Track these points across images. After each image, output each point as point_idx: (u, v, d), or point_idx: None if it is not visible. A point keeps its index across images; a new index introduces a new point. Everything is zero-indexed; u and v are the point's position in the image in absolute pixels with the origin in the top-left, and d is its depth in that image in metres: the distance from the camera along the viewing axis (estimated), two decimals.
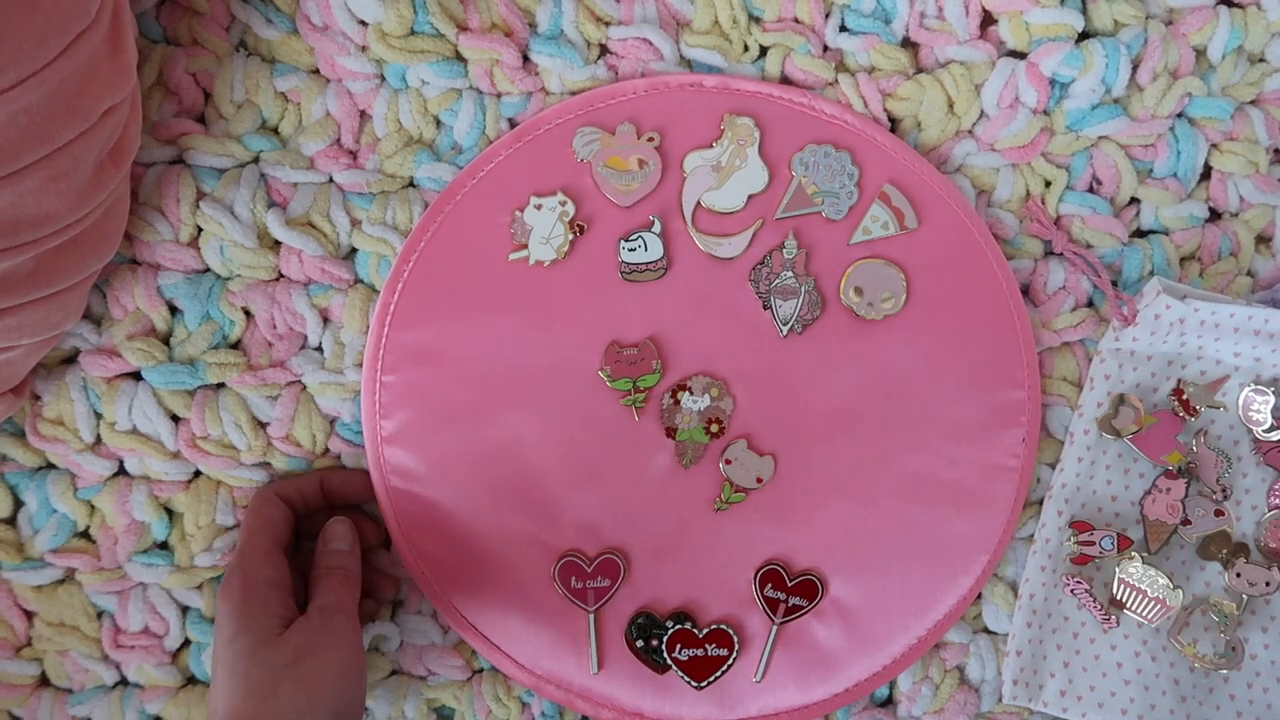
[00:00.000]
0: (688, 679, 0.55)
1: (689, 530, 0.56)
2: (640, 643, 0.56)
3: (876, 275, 0.55)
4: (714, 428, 0.55)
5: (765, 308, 0.55)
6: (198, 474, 0.57)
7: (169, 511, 0.58)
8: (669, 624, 0.56)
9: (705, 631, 0.56)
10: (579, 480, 0.56)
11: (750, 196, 0.55)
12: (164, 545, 0.58)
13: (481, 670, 0.59)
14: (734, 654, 0.56)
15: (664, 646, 0.55)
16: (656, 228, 0.55)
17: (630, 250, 0.55)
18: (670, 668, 0.55)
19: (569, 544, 0.56)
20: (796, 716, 0.57)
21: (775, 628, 0.56)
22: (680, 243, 0.55)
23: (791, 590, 0.56)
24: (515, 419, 0.55)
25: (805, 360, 0.56)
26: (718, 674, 0.55)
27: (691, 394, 0.55)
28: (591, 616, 0.56)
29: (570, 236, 0.54)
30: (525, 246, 0.55)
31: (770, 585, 0.56)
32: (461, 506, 0.56)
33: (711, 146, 0.55)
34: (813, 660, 0.57)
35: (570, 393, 0.55)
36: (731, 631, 0.56)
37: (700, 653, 0.55)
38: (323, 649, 0.49)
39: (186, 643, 0.58)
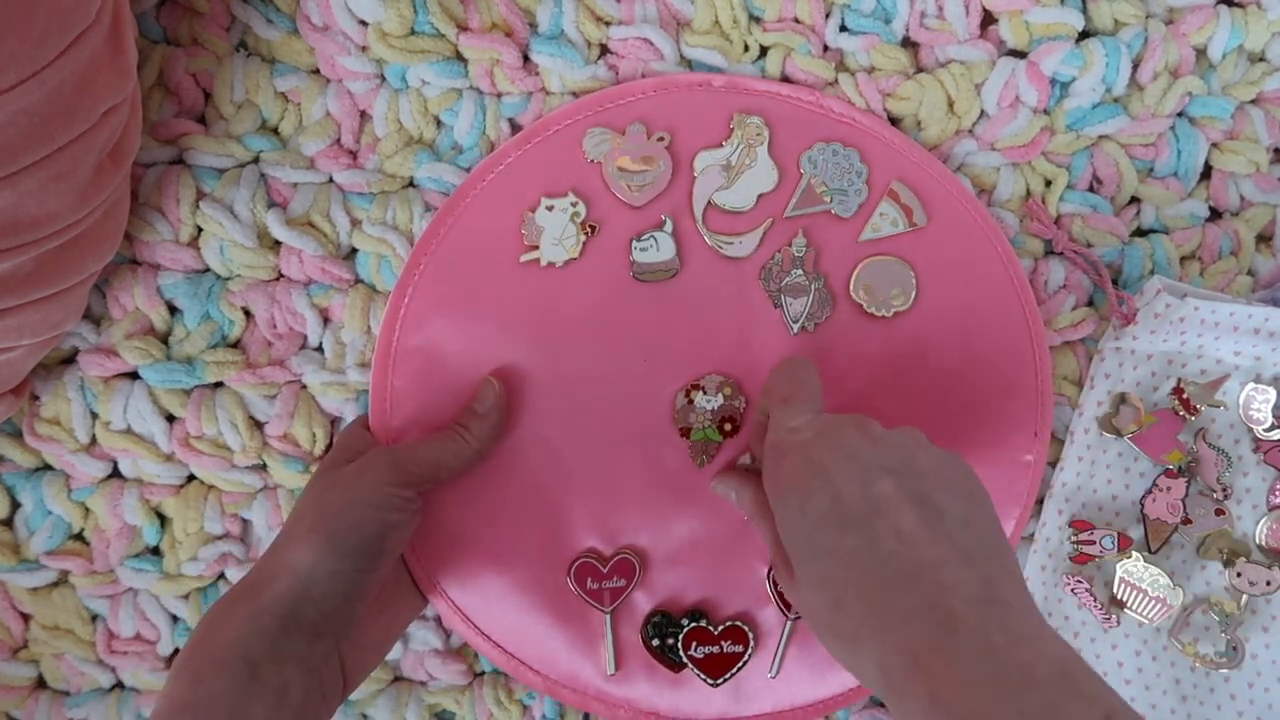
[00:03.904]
0: (704, 676, 0.55)
1: (704, 529, 0.56)
2: (656, 641, 0.55)
3: (886, 272, 0.55)
4: (727, 427, 0.55)
5: (776, 306, 0.55)
6: (191, 479, 0.57)
7: (160, 516, 0.57)
8: (684, 621, 0.55)
9: (720, 629, 0.55)
10: (593, 481, 0.55)
11: (760, 195, 0.55)
12: (156, 550, 0.58)
13: (482, 674, 0.59)
14: (749, 650, 0.55)
15: (680, 645, 0.55)
16: (668, 227, 0.55)
17: (642, 250, 0.55)
18: (686, 666, 0.55)
19: (583, 546, 0.56)
20: (811, 711, 0.57)
21: (789, 623, 0.56)
22: (691, 242, 0.55)
23: None
24: (527, 420, 0.55)
25: (816, 358, 0.56)
26: (733, 671, 0.55)
27: (705, 393, 0.55)
28: (608, 617, 0.55)
29: (582, 237, 0.54)
30: (537, 247, 0.54)
31: None
32: (472, 510, 0.55)
33: (721, 146, 0.55)
34: (827, 655, 0.56)
35: (582, 394, 0.55)
36: (746, 628, 0.55)
37: (716, 650, 0.55)
38: (348, 477, 0.49)
39: (179, 650, 0.58)
